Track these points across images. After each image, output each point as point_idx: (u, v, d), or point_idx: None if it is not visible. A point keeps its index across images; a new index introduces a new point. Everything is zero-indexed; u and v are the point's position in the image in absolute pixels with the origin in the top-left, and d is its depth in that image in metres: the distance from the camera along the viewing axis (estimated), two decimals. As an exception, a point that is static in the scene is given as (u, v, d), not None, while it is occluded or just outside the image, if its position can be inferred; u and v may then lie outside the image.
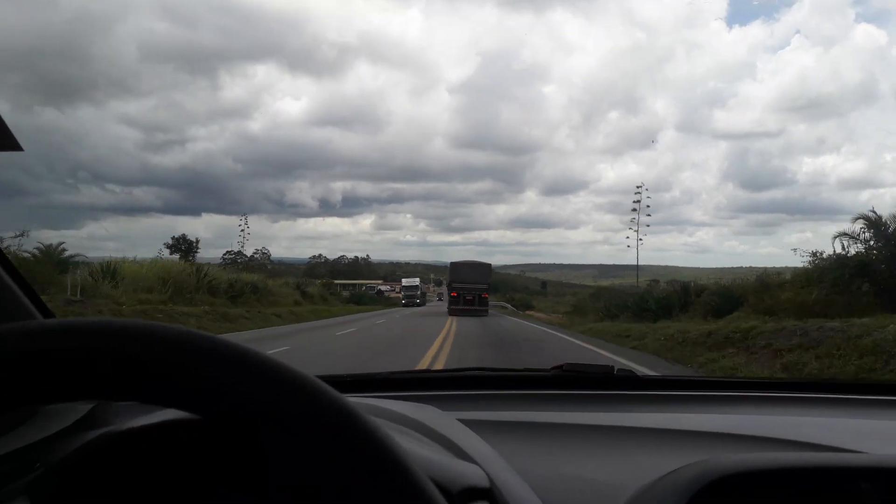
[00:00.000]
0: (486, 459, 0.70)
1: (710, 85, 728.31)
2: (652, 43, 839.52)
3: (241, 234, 77.22)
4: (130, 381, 0.39)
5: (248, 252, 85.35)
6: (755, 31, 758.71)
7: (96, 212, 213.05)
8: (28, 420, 0.88)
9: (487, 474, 0.64)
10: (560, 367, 1.48)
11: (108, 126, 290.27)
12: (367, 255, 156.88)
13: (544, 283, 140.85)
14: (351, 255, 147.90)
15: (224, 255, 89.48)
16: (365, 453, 0.39)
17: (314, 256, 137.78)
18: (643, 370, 5.23)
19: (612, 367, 1.49)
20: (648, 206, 54.14)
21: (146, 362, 0.39)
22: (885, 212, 15.59)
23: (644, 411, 1.27)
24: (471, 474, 0.63)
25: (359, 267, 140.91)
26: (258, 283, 33.60)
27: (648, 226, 53.39)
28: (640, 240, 52.08)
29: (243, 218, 75.64)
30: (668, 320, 19.42)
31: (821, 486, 0.74)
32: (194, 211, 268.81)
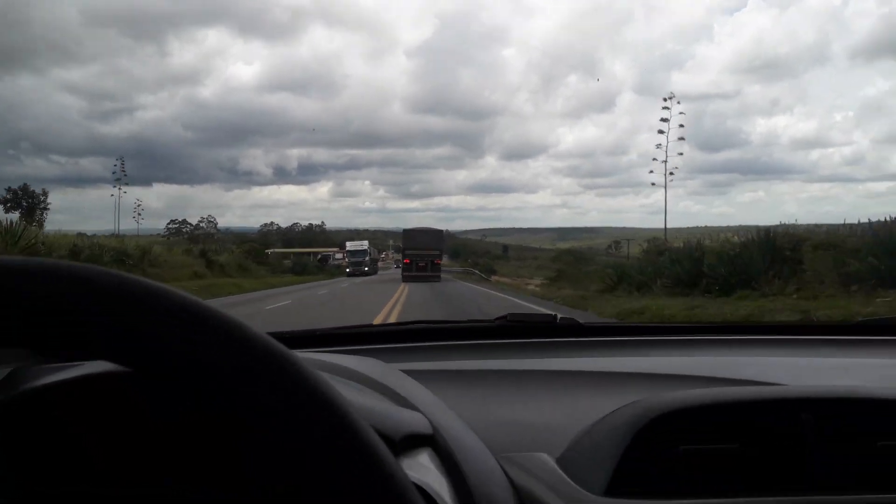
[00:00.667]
0: (428, 407, 0.71)
1: (668, 47, 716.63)
2: (611, 5, 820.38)
3: (136, 209, 68.77)
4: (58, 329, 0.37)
5: (193, 221, 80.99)
6: None
7: (42, 183, 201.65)
8: None
9: (430, 421, 0.64)
10: (504, 317, 1.47)
11: (50, 94, 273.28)
12: (323, 222, 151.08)
13: (505, 248, 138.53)
14: (305, 223, 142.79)
15: (168, 224, 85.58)
16: (305, 403, 0.39)
17: (265, 224, 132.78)
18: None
19: (556, 315, 1.48)
20: (682, 126, 40.57)
21: (85, 310, 0.37)
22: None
23: (586, 357, 1.29)
24: (413, 421, 0.63)
25: (313, 234, 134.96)
26: (129, 251, 27.84)
27: (681, 153, 39.15)
28: (671, 173, 39.29)
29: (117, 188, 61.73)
30: (744, 292, 13.36)
31: (761, 419, 0.75)
32: (145, 181, 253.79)
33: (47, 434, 0.54)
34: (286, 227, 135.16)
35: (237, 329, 0.39)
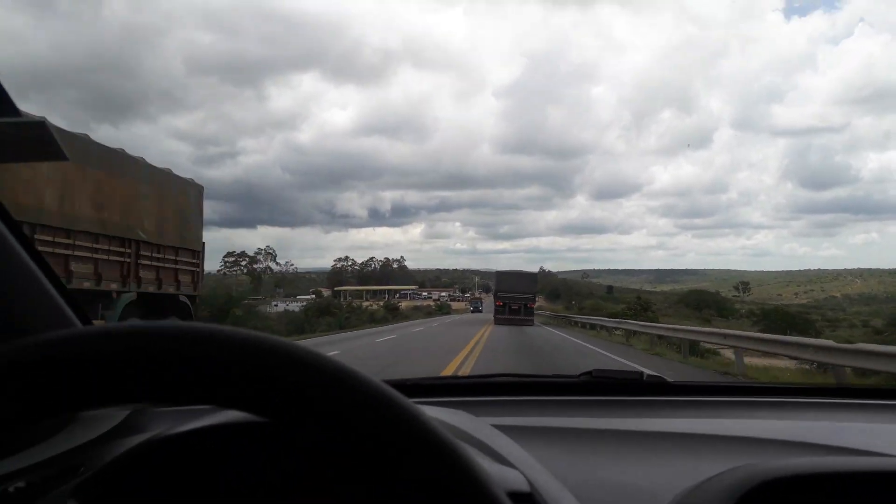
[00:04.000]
0: (523, 464, 0.69)
1: (767, 79, 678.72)
2: (705, 37, 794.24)
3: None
4: (201, 385, 0.39)
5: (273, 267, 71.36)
6: (815, 21, 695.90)
7: None
8: (67, 426, 0.91)
9: (527, 478, 0.63)
10: (589, 373, 1.47)
11: (161, 141, 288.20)
12: (402, 257, 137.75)
13: (610, 288, 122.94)
14: (381, 258, 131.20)
15: (224, 256, 77.15)
16: (440, 460, 0.39)
17: (338, 259, 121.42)
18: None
19: (642, 373, 1.46)
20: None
21: (225, 366, 0.39)
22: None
23: (676, 417, 1.26)
24: (512, 478, 0.63)
25: (390, 271, 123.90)
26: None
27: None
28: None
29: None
30: None
31: (874, 494, 0.72)
32: (249, 223, 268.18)
33: (177, 477, 0.56)
34: (362, 263, 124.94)
35: (370, 385, 0.40)
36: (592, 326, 26.65)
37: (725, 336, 13.01)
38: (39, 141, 0.90)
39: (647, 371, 1.49)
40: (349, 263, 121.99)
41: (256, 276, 69.26)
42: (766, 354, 11.63)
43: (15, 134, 0.87)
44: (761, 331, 28.14)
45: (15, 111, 0.83)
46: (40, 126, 0.87)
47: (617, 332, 22.05)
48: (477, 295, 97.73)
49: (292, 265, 73.82)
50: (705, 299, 70.99)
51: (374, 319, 42.24)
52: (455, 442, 0.40)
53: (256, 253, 71.98)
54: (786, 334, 13.63)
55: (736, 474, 0.74)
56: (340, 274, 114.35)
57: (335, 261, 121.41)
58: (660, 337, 17.35)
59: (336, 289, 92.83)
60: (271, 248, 73.02)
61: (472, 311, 72.16)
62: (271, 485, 0.58)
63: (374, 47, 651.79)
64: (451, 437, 0.41)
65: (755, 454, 0.91)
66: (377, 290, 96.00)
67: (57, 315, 0.94)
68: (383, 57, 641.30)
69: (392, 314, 46.70)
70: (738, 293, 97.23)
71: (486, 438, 0.81)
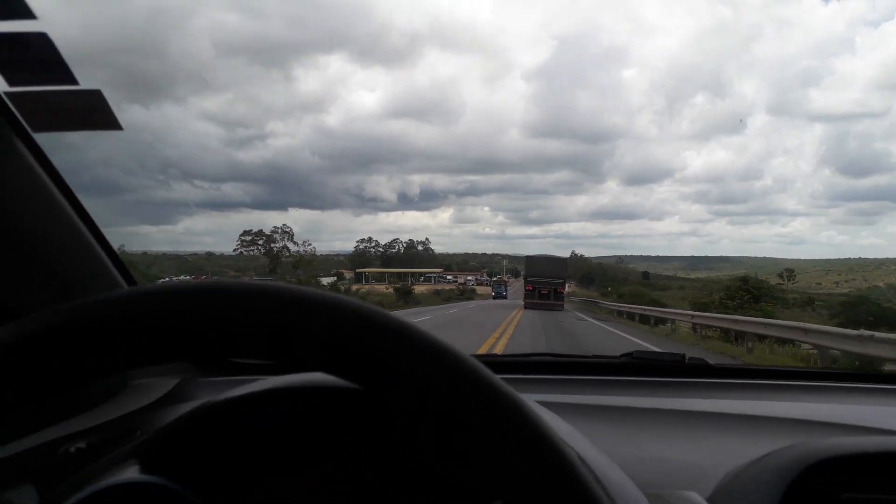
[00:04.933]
0: (573, 439, 0.70)
1: (803, 63, 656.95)
2: (738, 20, 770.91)
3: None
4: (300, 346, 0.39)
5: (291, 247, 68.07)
6: (854, 3, 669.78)
7: (189, 207, 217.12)
8: (120, 393, 0.99)
9: (577, 453, 0.63)
10: (630, 354, 1.49)
11: (191, 122, 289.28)
12: (427, 239, 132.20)
13: (646, 274, 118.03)
14: (405, 240, 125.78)
15: (240, 236, 74.23)
16: (511, 418, 0.40)
17: (361, 240, 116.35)
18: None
19: (684, 355, 1.47)
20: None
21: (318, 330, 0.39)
22: None
23: (719, 398, 1.25)
24: None
25: (415, 254, 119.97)
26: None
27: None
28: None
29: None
30: None
31: None
32: (280, 206, 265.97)
33: (233, 440, 0.59)
34: (385, 244, 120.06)
35: (448, 351, 0.40)
36: (645, 319, 21.15)
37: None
38: (95, 110, 0.92)
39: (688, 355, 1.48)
40: (372, 245, 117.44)
41: (274, 256, 65.76)
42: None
43: (72, 102, 0.90)
44: (840, 324, 24.13)
45: (73, 80, 0.85)
46: (96, 95, 0.90)
47: (682, 327, 17.69)
48: (503, 278, 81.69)
49: (310, 244, 69.72)
50: (752, 288, 65.62)
51: (380, 305, 37.59)
52: (544, 421, 0.41)
53: (273, 231, 68.06)
54: (879, 329, 9.75)
55: (790, 452, 0.74)
56: (363, 255, 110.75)
57: (358, 242, 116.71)
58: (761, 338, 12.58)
59: (358, 270, 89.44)
60: (288, 227, 69.44)
61: (495, 298, 56.62)
62: (328, 453, 0.59)
63: (400, 29, 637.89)
64: (541, 418, 0.41)
65: (804, 435, 0.90)
66: (401, 272, 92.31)
67: (106, 277, 0.99)
68: (410, 39, 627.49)
69: (405, 299, 41.80)
70: (781, 281, 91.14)
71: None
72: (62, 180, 0.91)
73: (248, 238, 68.90)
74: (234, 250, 70.34)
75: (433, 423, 0.39)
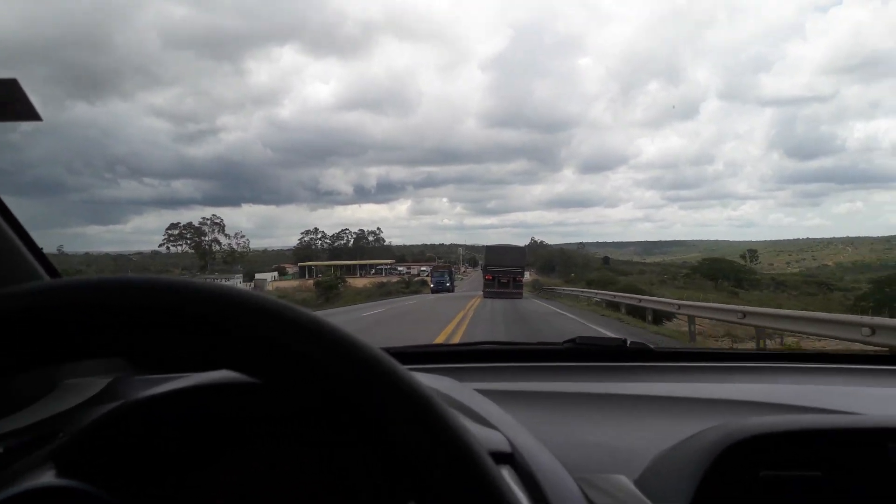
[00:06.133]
0: (505, 426, 0.71)
1: (754, 49, 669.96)
2: (691, 7, 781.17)
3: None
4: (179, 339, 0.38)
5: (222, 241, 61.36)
6: None
7: (139, 206, 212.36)
8: (49, 394, 0.96)
9: (508, 440, 0.65)
10: (573, 340, 1.50)
11: (139, 118, 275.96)
12: (378, 229, 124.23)
13: (607, 259, 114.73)
14: (355, 230, 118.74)
15: (167, 229, 67.40)
16: (419, 414, 0.39)
17: (306, 232, 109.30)
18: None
19: (625, 340, 1.50)
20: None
21: (215, 321, 0.38)
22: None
23: (658, 381, 1.28)
24: (493, 439, 0.64)
25: (365, 245, 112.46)
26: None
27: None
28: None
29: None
30: None
31: (844, 449, 0.74)
32: (234, 202, 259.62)
33: (152, 439, 0.57)
34: (333, 235, 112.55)
35: (352, 342, 0.40)
36: (636, 311, 16.31)
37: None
38: (11, 100, 0.89)
39: (630, 339, 1.50)
40: (319, 237, 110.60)
41: (203, 250, 59.20)
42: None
43: None
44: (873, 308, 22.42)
45: None
46: (12, 84, 0.86)
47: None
48: (445, 264, 61.62)
49: (243, 237, 63.19)
50: (722, 268, 62.24)
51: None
52: (441, 403, 0.41)
53: (201, 223, 61.19)
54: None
55: (715, 433, 0.76)
56: (308, 248, 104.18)
57: (302, 233, 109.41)
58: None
59: (301, 264, 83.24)
60: (218, 218, 62.59)
61: (434, 291, 45.34)
62: (248, 446, 0.59)
63: (354, 18, 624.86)
64: (438, 398, 0.41)
65: (733, 415, 0.93)
66: (349, 265, 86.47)
67: (24, 268, 0.95)
68: (364, 28, 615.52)
69: (326, 296, 35.83)
70: (744, 262, 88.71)
71: (469, 402, 0.82)
72: None
73: (176, 232, 61.98)
74: (160, 245, 63.26)
75: (337, 417, 0.39)
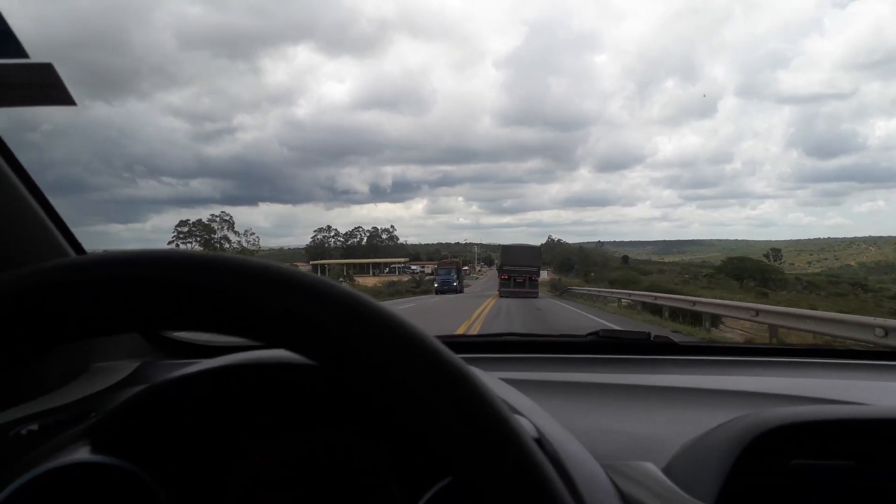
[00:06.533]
0: (532, 413, 0.71)
1: (772, 45, 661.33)
2: (707, 4, 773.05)
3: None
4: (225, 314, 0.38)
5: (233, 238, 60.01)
6: None
7: (157, 204, 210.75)
8: (80, 376, 0.99)
9: (535, 426, 0.65)
10: (596, 332, 1.50)
11: (156, 118, 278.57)
12: (392, 227, 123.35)
13: (626, 258, 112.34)
14: (368, 228, 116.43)
15: (176, 226, 66.30)
16: (463, 397, 0.39)
17: (318, 230, 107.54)
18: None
19: (649, 333, 1.49)
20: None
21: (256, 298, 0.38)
22: None
23: (682, 374, 1.28)
24: (521, 425, 0.69)
25: (378, 243, 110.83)
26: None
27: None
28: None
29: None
30: None
31: (873, 439, 0.75)
32: (251, 201, 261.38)
33: (184, 417, 0.59)
34: (346, 233, 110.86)
35: (397, 323, 0.39)
36: (676, 315, 14.08)
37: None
38: (46, 84, 0.87)
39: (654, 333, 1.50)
40: (332, 235, 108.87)
41: (213, 248, 57.96)
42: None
43: (21, 76, 0.85)
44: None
45: (22, 52, 0.80)
46: (47, 69, 0.85)
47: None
48: (456, 261, 53.03)
49: (253, 234, 61.72)
50: (748, 268, 59.72)
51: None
52: (497, 397, 0.40)
53: (210, 220, 59.94)
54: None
55: (743, 422, 0.76)
56: (321, 247, 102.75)
57: (315, 231, 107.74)
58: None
59: (313, 262, 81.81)
60: (227, 215, 61.29)
61: (439, 292, 39.37)
62: (280, 426, 0.59)
63: (368, 16, 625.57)
64: (494, 393, 0.40)
65: (759, 406, 0.93)
66: (362, 263, 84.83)
67: (53, 245, 0.97)
68: (379, 26, 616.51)
69: None
70: (767, 261, 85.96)
71: (495, 390, 0.78)
72: (5, 146, 0.89)
73: (185, 229, 60.86)
74: (169, 243, 62.30)
75: (386, 397, 0.38)
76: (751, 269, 58.72)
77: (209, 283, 0.38)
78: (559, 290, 39.53)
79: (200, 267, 0.38)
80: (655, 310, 15.25)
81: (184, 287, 0.38)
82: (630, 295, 20.01)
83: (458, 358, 0.40)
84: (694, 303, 11.93)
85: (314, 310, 0.38)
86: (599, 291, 27.93)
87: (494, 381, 0.88)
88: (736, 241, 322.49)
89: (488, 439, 0.38)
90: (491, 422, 0.39)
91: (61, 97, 0.85)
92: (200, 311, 0.38)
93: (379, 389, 0.38)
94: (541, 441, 0.62)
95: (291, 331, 0.38)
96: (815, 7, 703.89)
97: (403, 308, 20.47)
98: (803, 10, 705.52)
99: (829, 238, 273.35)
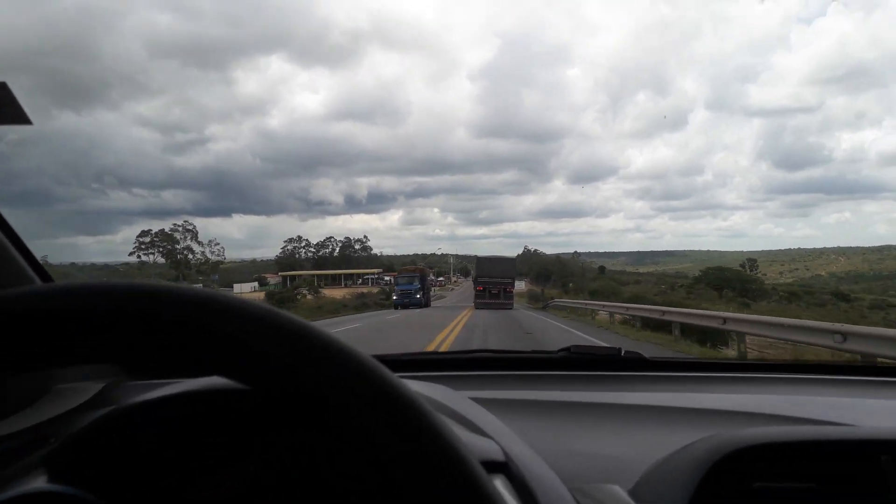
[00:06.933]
0: (499, 434, 0.71)
1: (741, 59, 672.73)
2: (678, 18, 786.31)
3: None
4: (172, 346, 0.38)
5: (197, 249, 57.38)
6: (788, 1, 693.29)
7: (128, 216, 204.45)
8: (41, 399, 0.95)
9: (502, 448, 0.65)
10: (567, 349, 1.50)
11: (126, 128, 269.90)
12: (365, 237, 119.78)
13: (602, 269, 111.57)
14: (340, 238, 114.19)
15: (138, 237, 63.37)
16: (406, 424, 0.39)
17: (289, 241, 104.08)
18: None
19: (620, 349, 1.50)
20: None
21: (201, 329, 0.37)
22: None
23: (652, 391, 1.28)
24: (487, 448, 0.64)
25: (351, 253, 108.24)
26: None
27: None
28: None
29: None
30: None
31: (838, 460, 0.75)
32: (224, 212, 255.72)
33: (144, 444, 0.57)
34: (317, 244, 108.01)
35: (341, 350, 0.39)
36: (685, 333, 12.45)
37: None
38: (1, 104, 0.86)
39: (625, 348, 1.50)
40: (303, 245, 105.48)
41: (177, 259, 55.25)
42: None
43: None
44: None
45: None
46: (2, 88, 0.83)
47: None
48: (423, 268, 46.19)
49: (218, 244, 59.16)
50: (728, 278, 58.82)
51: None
52: (432, 412, 0.40)
53: (173, 229, 57.12)
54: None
55: (709, 443, 0.77)
56: (292, 257, 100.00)
57: (285, 242, 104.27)
58: None
59: (283, 274, 79.34)
60: (191, 224, 58.42)
61: (398, 306, 35.25)
62: (240, 452, 0.58)
63: (341, 27, 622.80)
64: (429, 408, 0.41)
65: (726, 426, 0.94)
66: (334, 274, 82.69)
67: (17, 273, 0.95)
68: (352, 37, 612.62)
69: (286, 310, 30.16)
70: (744, 271, 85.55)
71: (464, 410, 0.82)
72: None
73: (147, 240, 57.85)
74: (131, 254, 59.03)
75: (322, 422, 0.39)
76: (730, 280, 57.88)
77: (169, 317, 0.38)
78: (541, 303, 37.54)
79: (159, 297, 0.38)
80: (660, 326, 13.44)
81: (139, 320, 0.37)
82: (628, 309, 17.69)
83: (399, 380, 0.41)
84: (724, 320, 10.17)
85: (232, 328, 0.37)
86: (587, 304, 25.16)
87: (463, 401, 0.88)
88: (708, 251, 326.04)
89: (431, 464, 0.38)
90: (434, 445, 0.39)
91: (16, 116, 0.83)
92: (158, 346, 0.38)
93: (324, 413, 0.38)
94: (507, 464, 0.61)
95: (229, 361, 0.38)
96: (782, 23, 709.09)
97: (342, 330, 15.99)
98: (770, 26, 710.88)
99: (798, 248, 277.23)
